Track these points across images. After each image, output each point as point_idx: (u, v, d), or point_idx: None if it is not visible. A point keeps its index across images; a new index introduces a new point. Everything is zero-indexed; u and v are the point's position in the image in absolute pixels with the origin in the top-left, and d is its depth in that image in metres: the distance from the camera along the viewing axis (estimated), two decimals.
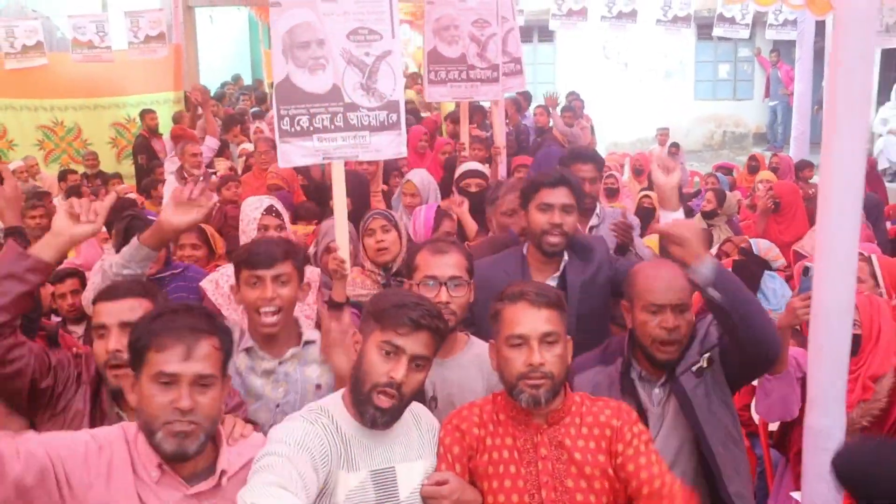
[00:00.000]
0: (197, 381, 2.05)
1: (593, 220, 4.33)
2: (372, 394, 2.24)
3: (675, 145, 11.64)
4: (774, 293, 4.83)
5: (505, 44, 6.75)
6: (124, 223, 3.89)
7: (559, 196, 3.29)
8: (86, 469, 2.04)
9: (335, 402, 2.37)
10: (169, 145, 9.38)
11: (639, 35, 13.49)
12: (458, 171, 5.60)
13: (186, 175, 6.89)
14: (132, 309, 2.53)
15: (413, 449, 2.38)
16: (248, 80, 16.39)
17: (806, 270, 3.34)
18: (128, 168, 10.68)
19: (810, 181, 9.00)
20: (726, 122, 17.37)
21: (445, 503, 2.31)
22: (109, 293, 2.66)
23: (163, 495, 2.07)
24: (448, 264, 2.82)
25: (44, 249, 2.51)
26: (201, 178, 2.79)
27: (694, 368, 2.75)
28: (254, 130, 9.95)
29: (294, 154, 4.14)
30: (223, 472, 2.14)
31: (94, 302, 2.68)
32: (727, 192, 7.55)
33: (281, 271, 2.89)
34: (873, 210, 6.54)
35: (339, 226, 3.94)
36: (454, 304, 2.78)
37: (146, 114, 10.33)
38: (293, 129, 4.10)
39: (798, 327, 3.39)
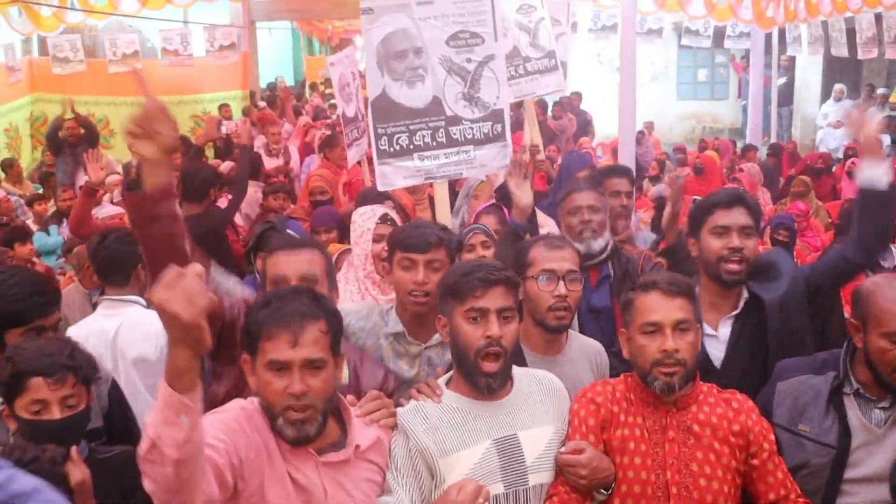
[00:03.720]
0: (307, 365, 2.05)
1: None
2: (477, 361, 2.27)
3: (647, 125, 14.14)
4: None
5: (536, 36, 5.99)
6: (261, 230, 3.96)
7: (736, 217, 2.90)
8: (248, 450, 2.05)
9: (442, 390, 2.39)
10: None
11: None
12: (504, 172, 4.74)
13: (272, 149, 9.36)
14: (310, 261, 2.60)
15: (537, 416, 2.38)
16: (289, 81, 19.08)
17: None
18: (208, 151, 13.34)
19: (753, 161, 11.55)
20: (705, 119, 19.63)
21: (583, 471, 2.29)
22: (288, 245, 2.70)
23: (300, 465, 2.11)
24: (565, 258, 2.76)
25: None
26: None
27: None
28: (317, 136, 10.07)
29: (394, 176, 3.91)
30: (357, 447, 2.18)
31: (272, 252, 2.70)
32: (667, 163, 10.14)
33: (434, 257, 2.83)
34: None
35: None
36: (571, 297, 2.73)
37: (223, 107, 13.00)
38: (392, 149, 3.85)
39: None
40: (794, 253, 5.71)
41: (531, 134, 6.20)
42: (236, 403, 2.17)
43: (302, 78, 18.66)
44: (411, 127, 3.82)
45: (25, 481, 1.79)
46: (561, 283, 2.71)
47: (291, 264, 2.61)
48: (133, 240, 3.32)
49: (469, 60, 3.84)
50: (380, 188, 4.05)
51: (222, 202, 5.93)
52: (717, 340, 2.92)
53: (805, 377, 2.60)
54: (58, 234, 7.23)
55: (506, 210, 3.89)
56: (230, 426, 2.06)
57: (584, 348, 2.87)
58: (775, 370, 2.69)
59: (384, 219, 3.58)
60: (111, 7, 12.33)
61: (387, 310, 2.96)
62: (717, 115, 19.72)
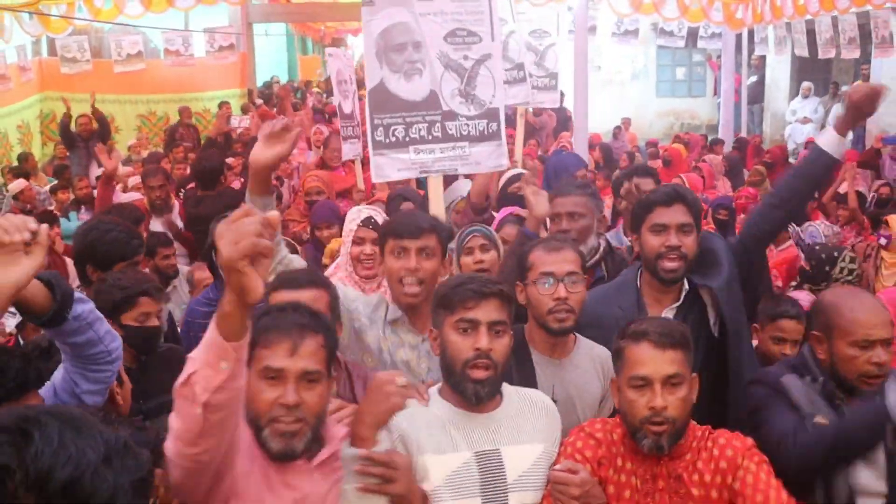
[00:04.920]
0: (303, 376, 2.00)
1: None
2: (465, 371, 2.22)
3: (625, 121, 14.97)
4: None
5: (543, 58, 6.65)
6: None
7: (675, 214, 2.90)
8: (246, 463, 2.00)
9: (431, 395, 2.35)
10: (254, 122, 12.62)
11: (602, 44, 16.88)
12: (504, 177, 5.15)
13: None
14: (314, 299, 2.48)
15: (524, 433, 2.31)
16: (284, 80, 19.78)
17: None
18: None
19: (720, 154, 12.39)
20: (683, 115, 20.41)
21: (576, 491, 2.21)
22: (291, 282, 2.61)
23: (290, 478, 2.06)
24: (565, 260, 2.71)
25: None
26: (283, 118, 2.70)
27: None
28: (314, 132, 10.40)
29: (389, 167, 3.88)
30: (340, 440, 2.14)
31: (275, 289, 2.59)
32: (637, 155, 10.96)
33: (426, 244, 2.82)
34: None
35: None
36: (572, 300, 2.66)
37: (223, 104, 13.73)
38: (388, 140, 3.82)
39: None
40: (736, 231, 6.48)
41: (517, 144, 6.57)
42: None
43: (296, 77, 19.44)
44: (408, 119, 3.83)
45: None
46: (561, 285, 2.66)
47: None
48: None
49: (466, 58, 3.88)
50: (374, 180, 4.07)
51: (236, 185, 6.71)
52: None
53: (795, 377, 2.63)
54: (77, 220, 7.99)
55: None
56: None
57: (591, 354, 2.80)
58: (755, 377, 2.76)
59: (366, 222, 3.57)
60: (116, 11, 13.03)
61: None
62: (694, 111, 20.52)
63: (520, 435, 2.31)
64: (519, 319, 2.64)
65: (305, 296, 2.47)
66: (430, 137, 3.86)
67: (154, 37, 14.75)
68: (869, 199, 8.71)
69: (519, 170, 5.44)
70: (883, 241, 5.69)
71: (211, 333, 1.71)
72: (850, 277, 4.87)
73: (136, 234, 3.65)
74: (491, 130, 3.94)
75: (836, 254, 4.98)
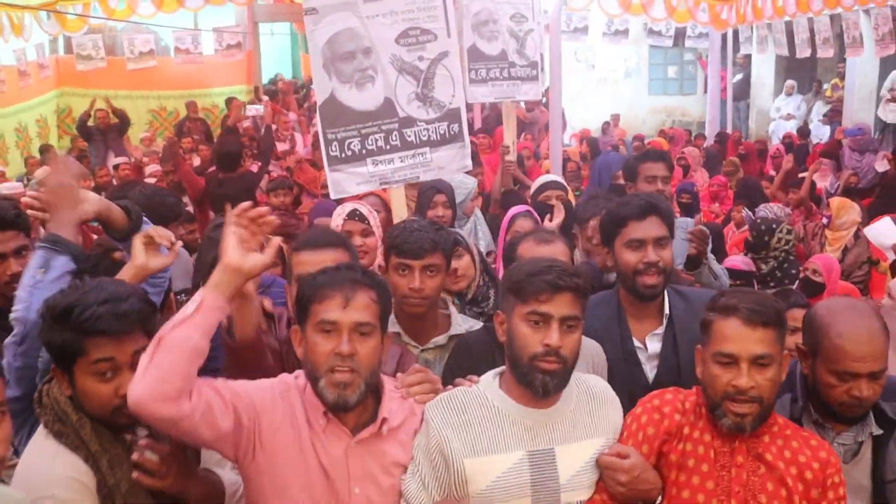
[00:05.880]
0: (356, 328, 2.07)
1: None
2: (534, 362, 2.14)
3: (615, 117, 15.62)
4: None
5: (523, 46, 6.38)
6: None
7: (650, 228, 2.79)
8: (275, 411, 2.10)
9: (489, 384, 2.27)
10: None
11: (596, 44, 17.52)
12: (536, 184, 5.02)
13: (280, 134, 10.83)
14: (334, 259, 2.52)
15: (580, 428, 2.24)
16: (288, 77, 20.44)
17: None
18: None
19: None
20: (675, 112, 20.82)
21: (623, 477, 2.15)
22: (311, 243, 2.69)
23: (329, 444, 2.11)
24: (553, 253, 2.68)
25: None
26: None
27: None
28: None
29: (347, 183, 3.73)
30: (384, 420, 2.15)
31: (297, 251, 2.67)
32: (621, 148, 11.63)
33: (430, 262, 2.81)
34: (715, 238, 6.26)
35: None
36: None
37: (231, 100, 14.39)
38: (343, 155, 3.66)
39: None
40: (702, 215, 7.11)
41: (506, 135, 6.53)
42: (281, 376, 2.24)
43: (300, 74, 20.09)
44: (363, 131, 3.68)
45: None
46: None
47: (317, 264, 2.46)
48: None
49: (421, 59, 3.71)
50: (333, 196, 3.94)
51: (253, 168, 7.44)
52: (645, 354, 2.86)
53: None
54: None
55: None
56: (261, 387, 2.16)
57: (582, 347, 2.66)
58: None
59: (352, 215, 3.51)
60: (129, 10, 13.69)
61: None
62: (685, 109, 21.01)
63: (576, 430, 2.24)
64: None
65: (328, 256, 2.58)
66: (388, 147, 3.72)
67: (165, 35, 15.34)
68: (834, 187, 9.40)
69: (552, 177, 5.40)
70: (825, 220, 6.36)
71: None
72: (787, 247, 5.54)
73: (181, 200, 4.40)
74: (452, 132, 3.81)
75: (774, 226, 5.53)
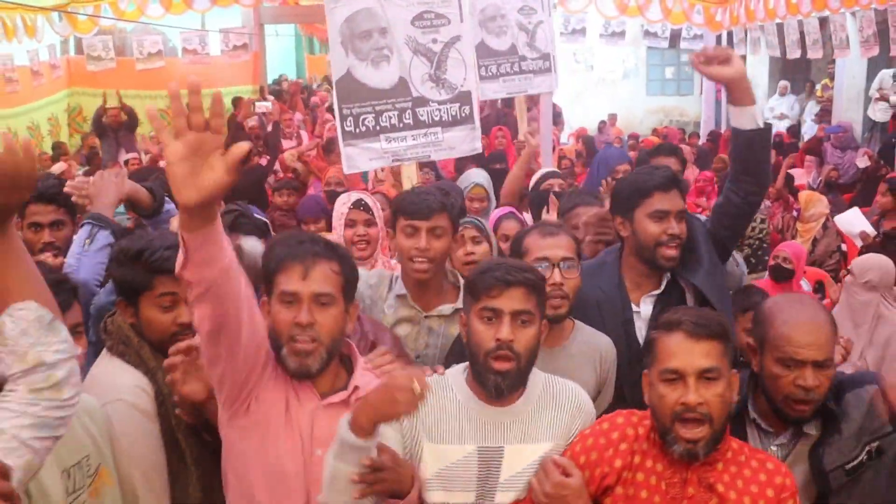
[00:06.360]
0: (315, 299, 2.11)
1: None
2: (487, 361, 2.16)
3: (611, 116, 16.00)
4: None
5: (534, 38, 6.37)
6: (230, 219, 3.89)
7: (674, 201, 2.80)
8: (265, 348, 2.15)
9: (456, 374, 2.31)
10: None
11: (594, 45, 17.89)
12: (536, 175, 4.98)
13: (286, 132, 11.22)
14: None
15: (535, 430, 2.23)
16: (292, 77, 20.85)
17: None
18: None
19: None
20: (672, 113, 21.15)
21: (549, 488, 2.11)
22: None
23: (303, 400, 2.18)
24: (559, 245, 2.66)
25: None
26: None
27: (848, 466, 2.26)
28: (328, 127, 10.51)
29: (360, 158, 3.83)
30: (356, 388, 2.20)
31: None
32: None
33: (437, 224, 2.84)
34: None
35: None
36: (567, 285, 2.60)
37: (237, 99, 14.77)
38: (358, 130, 3.77)
39: None
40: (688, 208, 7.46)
41: (520, 128, 6.52)
42: None
43: (304, 74, 20.54)
44: (377, 108, 3.77)
45: None
46: (556, 270, 2.60)
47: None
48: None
49: (435, 41, 3.81)
50: (345, 171, 4.07)
51: (262, 161, 7.83)
52: (640, 318, 2.91)
53: None
54: None
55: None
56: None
57: (589, 343, 2.73)
58: None
59: (357, 204, 3.58)
60: (139, 12, 14.09)
61: (396, 276, 3.01)
62: (683, 109, 21.30)
63: (530, 432, 2.24)
64: None
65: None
66: (402, 125, 3.82)
67: (173, 36, 15.72)
68: (817, 183, 9.78)
69: (550, 169, 5.40)
70: (795, 213, 6.75)
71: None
72: (760, 235, 5.91)
73: None
74: (464, 114, 3.91)
75: None
